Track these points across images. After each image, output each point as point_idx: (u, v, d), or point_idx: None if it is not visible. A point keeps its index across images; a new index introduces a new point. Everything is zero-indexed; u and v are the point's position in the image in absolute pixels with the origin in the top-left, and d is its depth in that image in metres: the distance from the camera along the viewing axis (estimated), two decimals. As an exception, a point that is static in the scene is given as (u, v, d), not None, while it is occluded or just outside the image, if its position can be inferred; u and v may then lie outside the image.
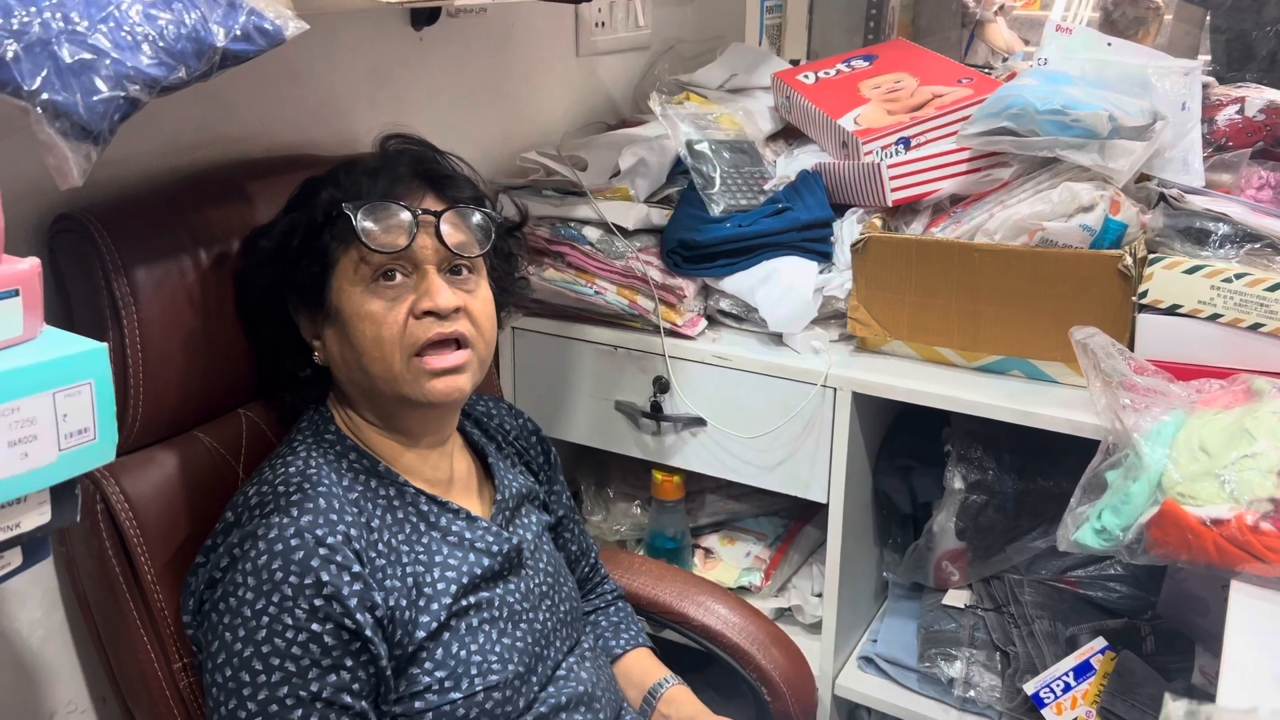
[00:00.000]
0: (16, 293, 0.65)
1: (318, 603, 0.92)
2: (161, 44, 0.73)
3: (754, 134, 1.72)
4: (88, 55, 0.69)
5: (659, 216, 1.57)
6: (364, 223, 0.99)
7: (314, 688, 0.92)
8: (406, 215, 1.01)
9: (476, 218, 1.06)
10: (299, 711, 0.92)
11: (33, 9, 0.68)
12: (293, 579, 0.92)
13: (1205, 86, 1.57)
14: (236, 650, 0.92)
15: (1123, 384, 1.16)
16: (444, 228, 1.02)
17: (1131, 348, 1.28)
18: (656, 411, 1.56)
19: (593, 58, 1.92)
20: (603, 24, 1.91)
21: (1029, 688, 1.38)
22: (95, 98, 0.69)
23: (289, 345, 1.10)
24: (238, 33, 0.79)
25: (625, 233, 1.54)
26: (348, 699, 0.94)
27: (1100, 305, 1.29)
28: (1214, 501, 1.01)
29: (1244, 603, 0.97)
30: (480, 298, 1.07)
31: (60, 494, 0.68)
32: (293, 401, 1.13)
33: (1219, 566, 1.01)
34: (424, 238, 1.01)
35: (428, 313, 1.01)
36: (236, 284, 1.10)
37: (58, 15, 0.69)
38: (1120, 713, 1.31)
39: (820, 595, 1.60)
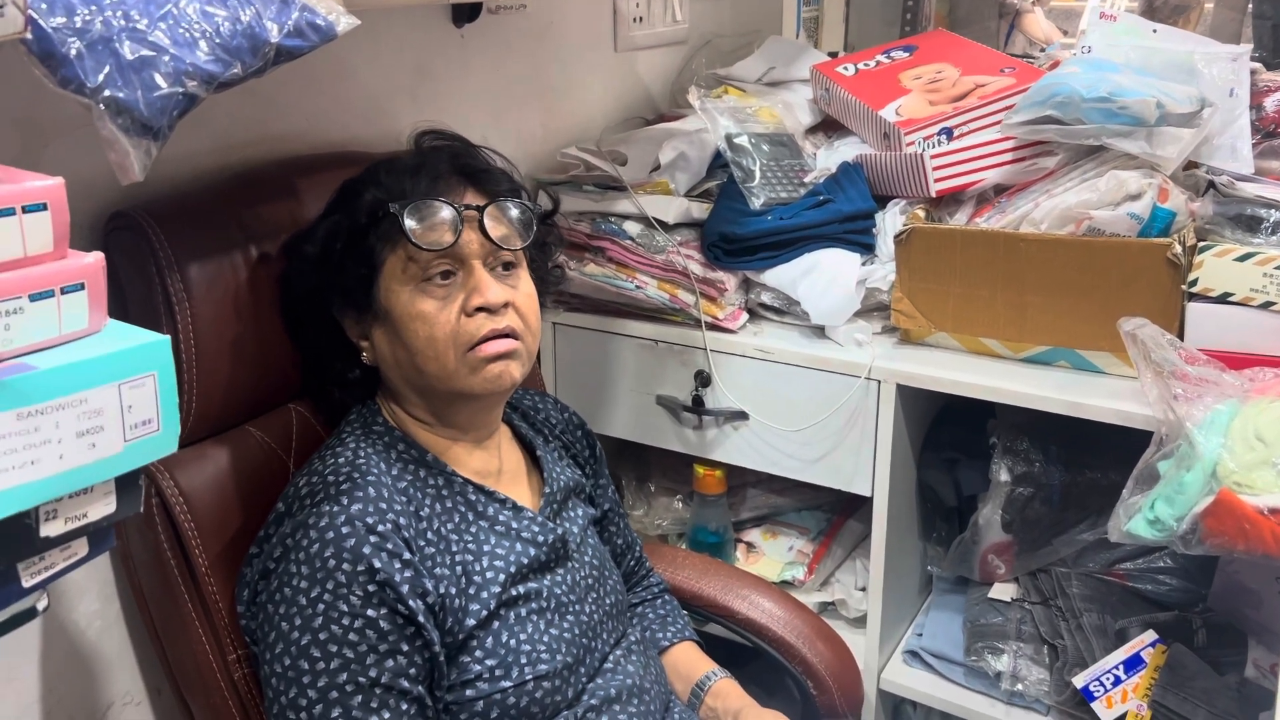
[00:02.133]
0: (82, 286, 0.66)
1: (371, 589, 0.93)
2: (218, 40, 0.74)
3: (793, 127, 1.71)
4: (148, 52, 0.70)
5: (699, 210, 1.57)
6: (410, 222, 1.00)
7: (372, 673, 0.93)
8: (450, 212, 1.01)
9: (516, 211, 1.07)
10: (359, 697, 0.93)
11: (94, 7, 0.69)
12: (345, 566, 0.93)
13: (1253, 72, 1.55)
14: (294, 639, 0.93)
15: (1174, 374, 1.15)
16: (487, 222, 1.03)
17: (1181, 337, 1.26)
18: (698, 405, 1.56)
19: (631, 53, 1.93)
20: (640, 19, 1.92)
21: (1079, 681, 1.37)
22: (155, 94, 0.70)
23: (335, 347, 1.10)
24: (291, 28, 0.80)
25: (666, 227, 1.54)
26: (405, 684, 0.95)
27: (1149, 294, 1.27)
28: (1271, 490, 1.00)
29: (1303, 593, 0.96)
30: (524, 291, 1.08)
31: (125, 484, 0.69)
32: (341, 398, 1.14)
33: (1276, 555, 0.99)
34: (468, 233, 1.02)
35: (479, 309, 1.02)
36: (280, 289, 1.11)
37: (118, 13, 0.70)
38: (1173, 706, 1.29)
39: (864, 589, 1.60)
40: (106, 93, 0.68)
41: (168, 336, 0.69)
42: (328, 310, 1.09)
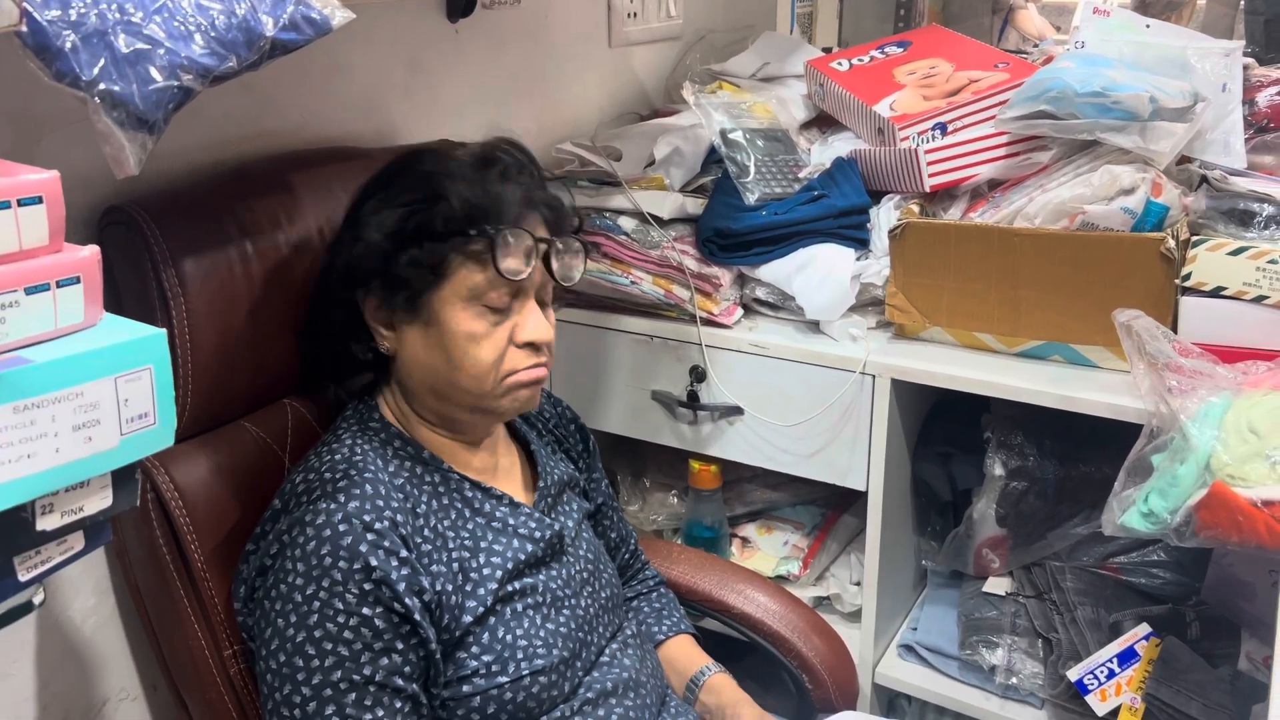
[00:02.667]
0: (78, 280, 0.66)
1: (367, 587, 0.93)
2: (213, 34, 0.74)
3: (788, 122, 1.72)
4: (143, 45, 0.70)
5: (694, 206, 1.57)
6: (501, 253, 0.99)
7: (367, 671, 0.93)
8: (529, 242, 1.02)
9: (579, 247, 1.08)
10: (352, 695, 0.93)
11: (89, 0, 0.69)
12: (342, 564, 0.93)
13: (1245, 68, 1.55)
14: (289, 635, 0.93)
15: (1168, 366, 1.15)
16: (554, 261, 1.05)
17: (1174, 331, 1.27)
18: (693, 401, 1.56)
19: (625, 48, 1.93)
20: (635, 14, 1.92)
21: (1072, 675, 1.37)
22: (151, 87, 0.70)
23: (353, 326, 1.07)
24: (286, 22, 0.80)
25: (660, 222, 1.54)
26: (400, 682, 0.95)
27: (1142, 288, 1.27)
28: (1265, 482, 1.00)
29: (1297, 584, 0.96)
30: (552, 320, 1.09)
31: (121, 478, 0.69)
32: (337, 393, 1.14)
33: (1270, 548, 1.00)
34: (535, 265, 1.03)
35: (528, 343, 1.03)
36: (327, 255, 1.08)
37: (113, 6, 0.70)
38: (1166, 699, 1.30)
39: (859, 584, 1.60)
40: (101, 86, 0.68)
41: (164, 330, 0.69)
42: (356, 288, 1.05)
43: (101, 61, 0.68)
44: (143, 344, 0.68)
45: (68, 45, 0.66)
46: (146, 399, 0.68)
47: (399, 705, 0.95)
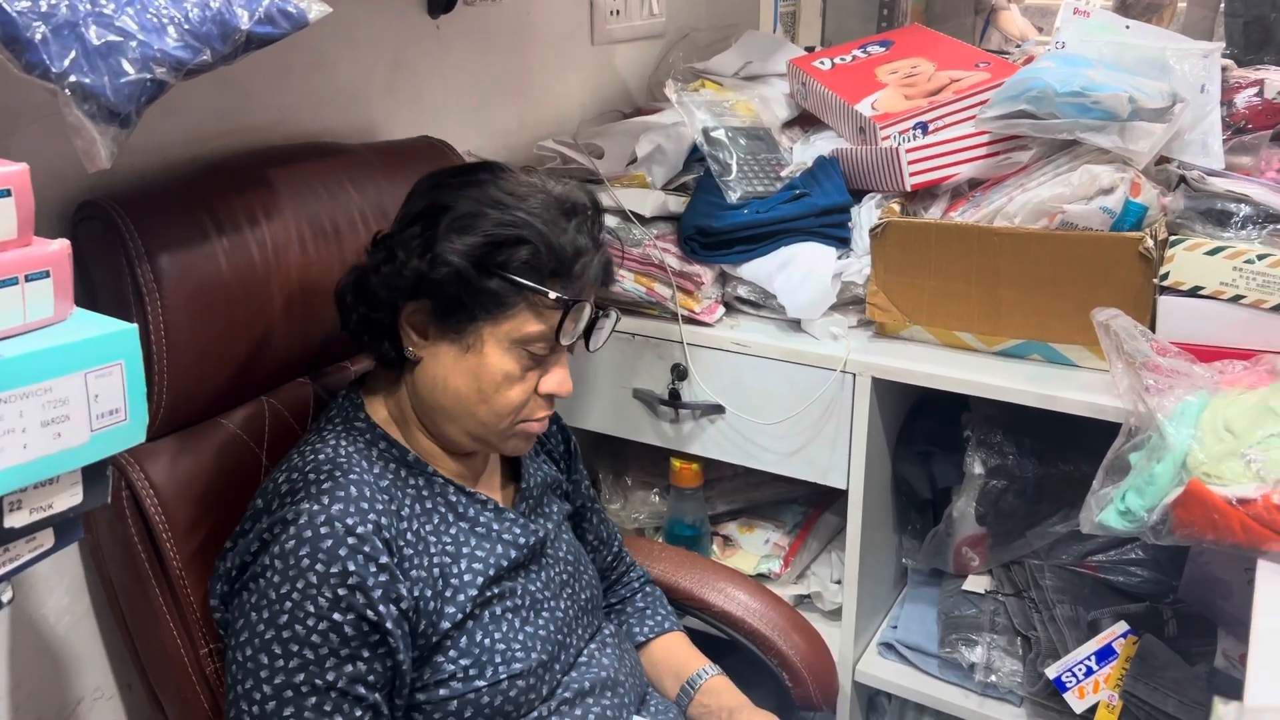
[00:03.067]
0: (47, 274, 0.65)
1: (341, 592, 0.93)
2: (187, 26, 0.74)
3: (770, 121, 1.72)
4: (115, 37, 0.69)
5: (676, 204, 1.57)
6: (569, 325, 1.02)
7: (330, 677, 0.93)
8: (589, 313, 1.06)
9: (615, 316, 1.12)
10: (313, 699, 0.93)
11: (60, -8, 0.68)
12: (319, 567, 0.93)
13: (1224, 69, 1.56)
14: (259, 631, 0.93)
15: (1145, 365, 1.16)
16: (595, 331, 1.09)
17: (1152, 330, 1.27)
18: (675, 399, 1.56)
19: (608, 46, 1.92)
20: (618, 12, 1.91)
21: (1051, 672, 1.38)
22: (122, 80, 0.70)
23: (383, 320, 1.05)
24: (261, 15, 0.79)
25: (642, 220, 1.54)
26: (361, 690, 0.94)
27: (1121, 288, 1.28)
28: (1240, 481, 1.01)
29: (1272, 581, 0.97)
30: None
31: (91, 475, 0.68)
32: (316, 390, 1.14)
33: (1245, 546, 1.00)
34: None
35: (549, 394, 1.05)
36: (385, 252, 1.04)
37: (85, -2, 0.69)
38: (1143, 696, 1.31)
39: (839, 582, 1.60)
40: (72, 78, 0.67)
41: (135, 325, 0.68)
42: (410, 298, 1.03)
43: (72, 53, 0.67)
44: (114, 339, 0.67)
45: (38, 36, 0.66)
46: (118, 395, 0.67)
47: (358, 714, 0.94)
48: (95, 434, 0.66)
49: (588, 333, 1.08)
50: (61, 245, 0.66)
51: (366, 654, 0.95)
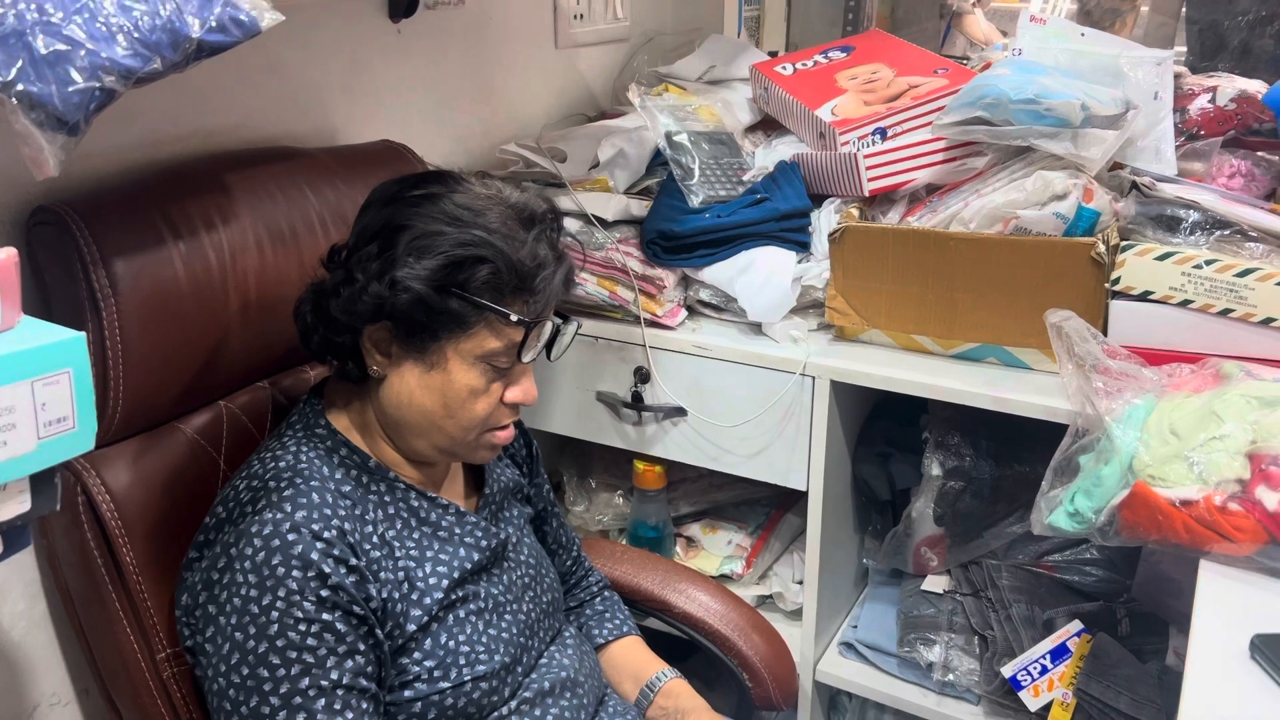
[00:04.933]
0: (-7, 283, 0.65)
1: (324, 593, 0.93)
2: (136, 35, 0.74)
3: (733, 125, 1.73)
4: (62, 46, 0.69)
5: (638, 208, 1.57)
6: (530, 344, 1.03)
7: (334, 675, 0.93)
8: (550, 329, 1.07)
9: (576, 325, 1.12)
10: (321, 701, 0.93)
11: (6, 1, 0.68)
12: (295, 573, 0.93)
13: (1177, 76, 1.59)
14: (249, 648, 0.93)
15: (1095, 368, 1.18)
16: (557, 342, 1.09)
17: (1104, 334, 1.29)
18: (637, 401, 1.56)
19: (571, 50, 1.93)
20: (581, 16, 1.92)
21: (1006, 671, 1.40)
22: (71, 89, 0.70)
23: (345, 342, 1.04)
24: (213, 24, 0.79)
25: (605, 224, 1.55)
26: (364, 682, 0.95)
27: (1074, 292, 1.30)
28: (1183, 483, 1.03)
29: (1212, 581, 0.99)
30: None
31: (40, 482, 0.68)
32: (274, 395, 1.14)
33: (1188, 547, 1.02)
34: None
35: (515, 403, 1.06)
36: (344, 268, 1.03)
37: (32, 6, 0.69)
38: (1096, 694, 1.33)
39: (801, 582, 1.62)
40: (19, 87, 0.67)
41: (83, 334, 0.68)
42: (369, 322, 1.02)
43: (19, 62, 0.67)
44: (61, 348, 0.67)
45: (-16, 46, 0.66)
46: (65, 403, 0.67)
47: (365, 706, 0.95)
48: (43, 442, 0.66)
49: (549, 345, 1.09)
50: (8, 254, 0.66)
51: (362, 646, 0.96)
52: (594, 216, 1.54)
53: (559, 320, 1.10)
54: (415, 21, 1.53)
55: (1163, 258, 1.25)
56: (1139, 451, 1.07)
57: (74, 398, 0.68)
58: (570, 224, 1.55)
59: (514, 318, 1.00)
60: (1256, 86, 1.58)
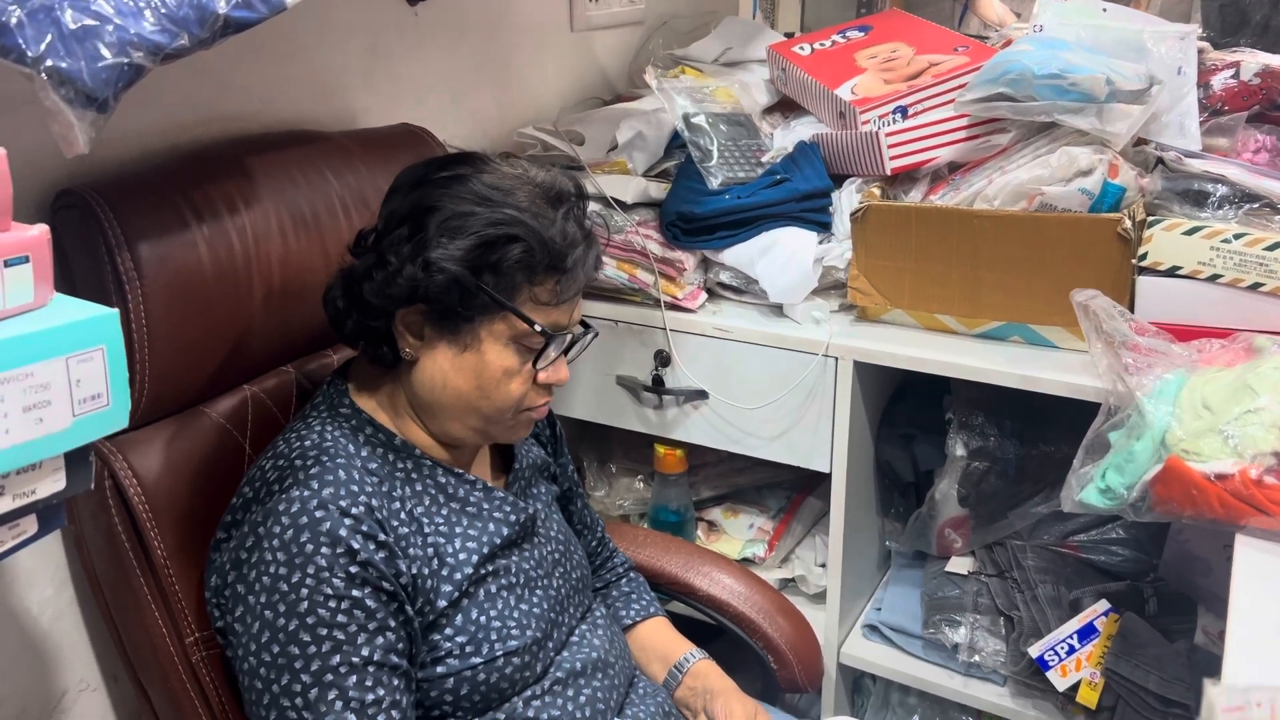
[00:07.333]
0: (27, 259, 0.65)
1: (353, 570, 0.93)
2: (164, 10, 0.73)
3: (750, 107, 1.72)
4: (91, 21, 0.69)
5: (657, 190, 1.57)
6: (553, 348, 1.04)
7: (365, 652, 0.93)
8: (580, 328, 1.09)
9: (592, 335, 1.12)
10: (353, 678, 0.93)
11: (34, -25, 0.68)
12: (324, 550, 0.93)
13: (1200, 52, 1.57)
14: (280, 625, 0.92)
15: (1125, 345, 1.17)
16: (574, 348, 1.09)
17: (1131, 310, 1.28)
18: (658, 385, 1.56)
19: (588, 33, 1.92)
20: (597, -1, 1.91)
21: (1033, 651, 1.39)
22: (100, 64, 0.69)
23: (376, 324, 1.04)
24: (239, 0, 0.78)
25: (624, 206, 1.54)
26: (395, 659, 0.95)
27: (1100, 269, 1.29)
28: (1218, 457, 1.02)
29: (1249, 555, 0.98)
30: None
31: (74, 460, 0.68)
32: (299, 379, 1.13)
33: (1223, 521, 1.01)
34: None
35: (549, 384, 1.07)
36: (374, 253, 1.03)
37: (60, -19, 0.69)
38: (1125, 673, 1.32)
39: (824, 565, 1.61)
40: (49, 63, 0.67)
41: (116, 310, 0.68)
42: (397, 303, 1.01)
43: (48, 37, 0.67)
44: (95, 323, 0.67)
45: (13, 20, 0.65)
46: (99, 380, 0.67)
47: (396, 683, 0.95)
48: (78, 419, 0.66)
49: (566, 350, 1.08)
50: (41, 230, 0.65)
51: (392, 623, 0.95)
52: (613, 199, 1.53)
53: (580, 329, 1.10)
54: (433, 5, 1.52)
55: (1191, 232, 1.24)
56: (1171, 426, 1.06)
57: (108, 374, 0.67)
58: (589, 207, 1.53)
59: (537, 328, 1.02)
60: (1280, 61, 1.56)
